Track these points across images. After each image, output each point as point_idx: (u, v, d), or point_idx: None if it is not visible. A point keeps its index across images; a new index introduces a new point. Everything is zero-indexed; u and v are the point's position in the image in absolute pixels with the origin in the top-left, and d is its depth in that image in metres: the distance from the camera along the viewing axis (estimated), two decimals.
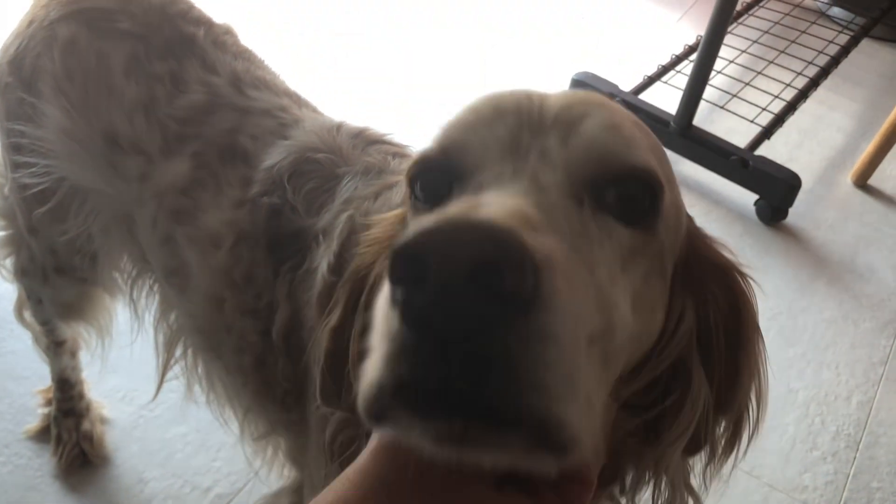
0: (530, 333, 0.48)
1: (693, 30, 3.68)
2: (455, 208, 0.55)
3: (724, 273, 0.75)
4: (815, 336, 2.51)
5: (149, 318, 1.54)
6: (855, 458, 2.18)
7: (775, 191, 2.84)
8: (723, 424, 0.79)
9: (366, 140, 1.16)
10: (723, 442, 0.80)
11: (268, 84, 1.25)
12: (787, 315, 2.56)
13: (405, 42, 3.59)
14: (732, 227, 2.85)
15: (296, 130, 1.16)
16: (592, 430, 0.55)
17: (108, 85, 1.21)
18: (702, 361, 0.74)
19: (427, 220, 0.49)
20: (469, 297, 0.46)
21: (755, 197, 2.91)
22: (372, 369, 0.51)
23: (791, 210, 2.89)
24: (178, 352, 1.45)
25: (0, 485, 1.87)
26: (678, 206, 0.72)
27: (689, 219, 0.77)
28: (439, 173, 0.68)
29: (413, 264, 0.48)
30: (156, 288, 1.43)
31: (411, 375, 0.49)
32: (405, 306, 0.48)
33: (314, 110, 1.26)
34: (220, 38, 1.27)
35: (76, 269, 1.49)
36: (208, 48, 1.24)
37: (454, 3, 3.97)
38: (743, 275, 0.76)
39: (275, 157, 1.13)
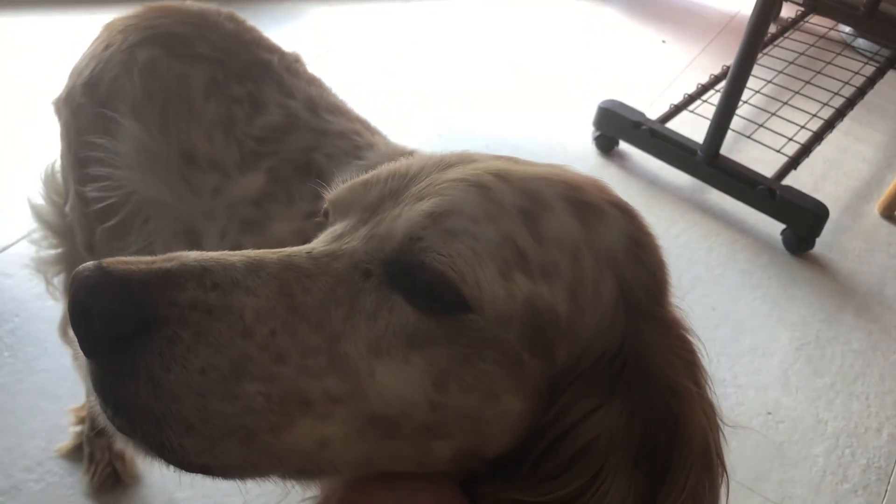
0: (125, 371, 0.64)
1: (715, 61, 3.79)
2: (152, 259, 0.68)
3: (673, 395, 0.73)
4: (843, 367, 2.58)
5: None
6: (886, 492, 2.24)
7: (802, 221, 2.93)
8: None
9: None
10: None
11: (341, 110, 1.34)
12: (815, 345, 2.63)
13: (447, 79, 3.69)
14: (759, 257, 2.93)
15: (370, 153, 1.25)
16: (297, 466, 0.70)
17: (188, 105, 1.30)
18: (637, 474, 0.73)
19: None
20: (84, 329, 0.64)
21: (782, 226, 3.00)
22: None
23: (818, 240, 2.98)
24: None
25: (32, 502, 1.93)
26: (540, 304, 0.72)
27: (660, 328, 0.77)
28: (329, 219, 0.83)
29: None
30: None
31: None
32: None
33: (385, 138, 1.35)
34: (293, 66, 1.37)
35: None
36: (283, 74, 1.34)
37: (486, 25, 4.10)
38: (699, 405, 0.74)
39: (348, 174, 1.21)
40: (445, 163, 0.79)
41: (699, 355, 0.79)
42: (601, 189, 0.82)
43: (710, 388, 0.78)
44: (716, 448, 0.75)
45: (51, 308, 2.26)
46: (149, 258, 0.67)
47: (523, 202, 0.74)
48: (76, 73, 1.45)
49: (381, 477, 0.74)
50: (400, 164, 0.80)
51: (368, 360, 0.68)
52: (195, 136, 1.29)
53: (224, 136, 1.28)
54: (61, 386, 2.16)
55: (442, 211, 0.71)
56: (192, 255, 0.68)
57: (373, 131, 1.34)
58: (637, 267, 0.78)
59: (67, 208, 1.56)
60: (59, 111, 1.50)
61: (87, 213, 1.47)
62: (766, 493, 2.18)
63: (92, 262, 0.64)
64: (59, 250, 1.68)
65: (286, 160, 1.26)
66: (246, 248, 1.25)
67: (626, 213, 0.81)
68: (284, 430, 0.67)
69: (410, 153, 1.24)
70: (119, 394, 0.64)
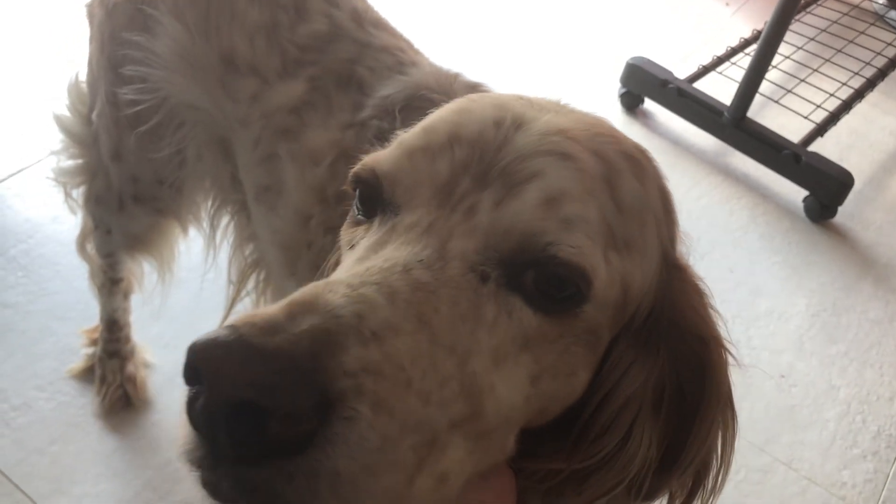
0: (300, 472, 0.50)
1: (746, 24, 3.76)
2: (282, 303, 0.55)
3: (701, 343, 0.74)
4: (858, 335, 2.59)
5: (223, 255, 1.62)
6: (895, 459, 2.25)
7: (827, 188, 2.91)
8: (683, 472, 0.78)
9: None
10: (682, 493, 0.80)
11: (386, 26, 1.33)
12: (831, 312, 2.64)
13: (474, 23, 3.67)
14: (780, 223, 2.93)
15: (413, 69, 1.23)
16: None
17: (231, 8, 1.28)
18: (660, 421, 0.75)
19: (224, 329, 0.52)
20: (232, 429, 0.49)
21: (804, 193, 2.99)
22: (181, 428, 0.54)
23: (840, 209, 2.97)
24: (251, 284, 1.52)
25: (43, 420, 1.95)
26: (628, 279, 0.71)
27: (680, 276, 0.77)
28: (373, 192, 0.73)
29: (194, 372, 0.51)
30: (236, 220, 1.50)
31: (196, 467, 0.53)
32: (186, 404, 0.52)
33: (428, 58, 1.33)
34: None
35: (156, 199, 1.57)
36: None
37: None
38: (721, 348, 0.75)
39: (390, 88, 1.20)
40: (506, 123, 0.70)
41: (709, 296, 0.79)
42: (623, 136, 0.77)
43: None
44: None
45: (66, 231, 2.28)
46: (278, 310, 0.54)
47: (601, 168, 0.69)
48: None
49: None
50: (450, 122, 0.72)
51: (490, 374, 0.63)
52: (236, 40, 1.28)
53: (266, 42, 1.27)
54: (74, 308, 2.18)
55: (553, 197, 0.65)
56: (333, 300, 0.55)
57: (416, 50, 1.33)
58: (667, 218, 0.77)
59: (94, 115, 1.55)
60: (91, 14, 1.49)
61: (118, 118, 1.46)
62: (775, 454, 2.19)
63: (224, 333, 0.51)
64: (81, 161, 1.68)
65: (328, 70, 1.24)
66: (280, 156, 1.24)
67: (650, 160, 0.78)
68: (414, 481, 0.57)
69: (455, 76, 1.23)
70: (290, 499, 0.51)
